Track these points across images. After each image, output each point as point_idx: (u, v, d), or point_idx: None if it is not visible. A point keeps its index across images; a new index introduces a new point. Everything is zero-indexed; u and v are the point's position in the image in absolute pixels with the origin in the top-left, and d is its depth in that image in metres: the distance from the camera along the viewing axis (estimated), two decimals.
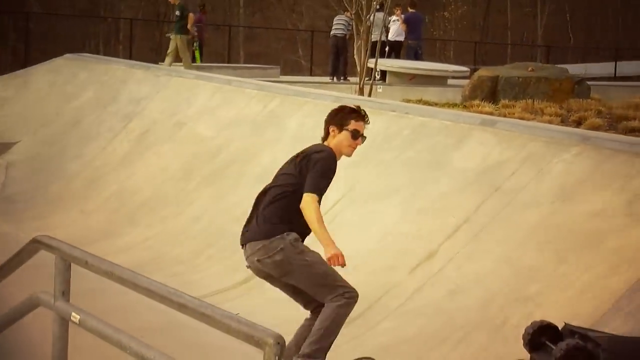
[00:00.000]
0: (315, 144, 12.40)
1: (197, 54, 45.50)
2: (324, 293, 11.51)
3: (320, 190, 11.78)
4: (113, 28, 50.03)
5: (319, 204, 11.76)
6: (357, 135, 11.98)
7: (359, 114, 11.95)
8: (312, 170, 11.87)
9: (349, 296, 11.47)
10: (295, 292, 11.97)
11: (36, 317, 8.59)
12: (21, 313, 8.40)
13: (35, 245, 8.17)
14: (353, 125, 11.89)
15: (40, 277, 7.95)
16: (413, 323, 15.14)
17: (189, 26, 38.76)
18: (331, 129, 12.17)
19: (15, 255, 8.77)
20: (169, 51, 38.67)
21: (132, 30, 45.70)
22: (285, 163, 12.56)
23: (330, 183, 12.07)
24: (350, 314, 16.02)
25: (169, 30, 41.83)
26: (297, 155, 12.38)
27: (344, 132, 12.07)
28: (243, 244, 11.53)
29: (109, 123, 27.51)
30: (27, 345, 9.33)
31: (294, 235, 11.54)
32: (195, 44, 45.51)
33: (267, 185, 12.48)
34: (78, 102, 29.36)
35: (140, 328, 11.51)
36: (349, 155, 12.40)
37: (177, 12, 38.77)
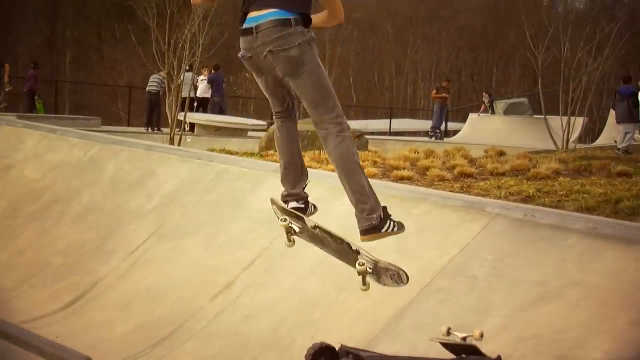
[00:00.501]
0: None
1: (39, 106, 44.81)
2: (323, 108, 10.33)
3: None
4: None
5: None
6: None
7: None
8: None
9: (342, 122, 10.45)
10: (276, 91, 10.63)
11: None
12: None
13: None
14: None
15: None
16: (214, 344, 15.12)
17: (5, 77, 38.21)
18: None
19: None
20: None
21: None
22: None
23: None
24: (158, 336, 16.05)
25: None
26: None
27: None
28: (251, 28, 9.23)
29: None
30: None
31: (312, 34, 9.98)
32: (38, 97, 44.95)
33: None
34: None
35: None
36: None
37: None
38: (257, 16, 8.60)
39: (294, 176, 10.80)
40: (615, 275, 12.32)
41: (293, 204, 11.41)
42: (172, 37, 29.64)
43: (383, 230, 10.20)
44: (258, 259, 16.73)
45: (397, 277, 9.08)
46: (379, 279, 9.62)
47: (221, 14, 36.41)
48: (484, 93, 32.46)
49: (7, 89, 41.61)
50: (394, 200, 16.70)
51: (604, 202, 16.80)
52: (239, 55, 9.56)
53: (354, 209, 10.76)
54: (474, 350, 8.67)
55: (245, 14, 9.48)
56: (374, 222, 10.41)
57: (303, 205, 11.39)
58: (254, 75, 10.28)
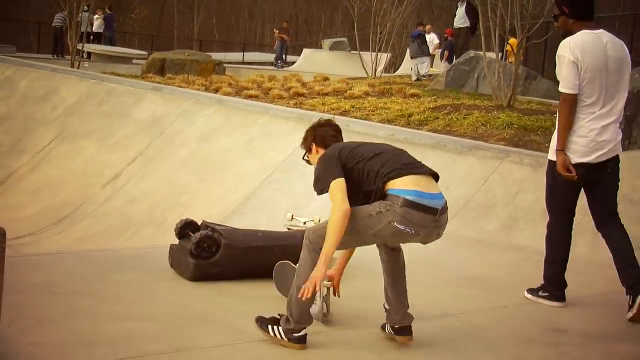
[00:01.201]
0: None
1: None
2: None
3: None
4: None
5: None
6: None
7: None
8: None
9: None
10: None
11: None
12: None
13: None
14: None
15: None
16: (103, 222, 14.95)
17: None
18: None
19: None
20: None
21: None
22: None
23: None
24: (60, 215, 15.83)
25: None
26: None
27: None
28: (437, 209, 6.68)
29: None
30: None
31: None
32: None
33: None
34: None
35: None
36: None
37: None
38: (438, 195, 6.31)
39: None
40: None
41: None
42: None
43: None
44: (139, 156, 16.54)
45: None
46: None
47: None
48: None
49: None
50: (243, 113, 16.62)
51: (400, 116, 16.87)
52: (398, 227, 6.25)
53: None
54: None
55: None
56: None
57: None
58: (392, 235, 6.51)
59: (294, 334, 6.18)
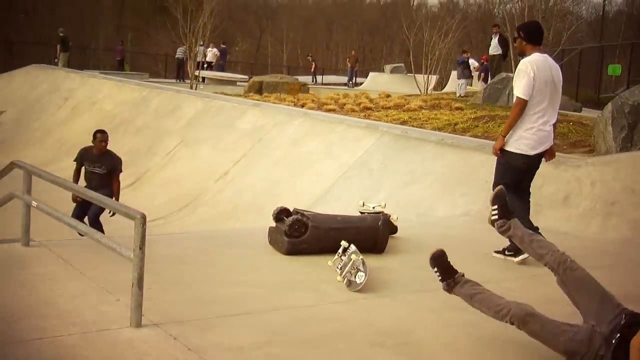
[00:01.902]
0: None
1: (127, 67, 44.03)
2: None
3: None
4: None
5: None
6: None
7: None
8: None
9: None
10: None
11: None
12: (3, 201, 8.07)
13: (12, 165, 7.89)
14: None
15: (15, 184, 7.62)
16: (216, 208, 15.11)
17: None
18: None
19: (1, 173, 8.46)
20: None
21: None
22: None
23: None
24: (182, 204, 16.01)
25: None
26: None
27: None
28: None
29: (54, 102, 26.76)
30: None
31: None
32: (125, 62, 44.43)
33: None
34: (38, 90, 28.51)
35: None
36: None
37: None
38: None
39: None
40: (452, 167, 12.34)
41: None
42: (191, 25, 29.50)
43: None
44: (243, 157, 16.65)
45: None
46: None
47: (222, 11, 36.10)
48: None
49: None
50: (324, 123, 16.63)
51: (447, 125, 16.77)
52: None
53: None
54: (379, 213, 8.55)
55: None
56: None
57: None
58: None
59: None
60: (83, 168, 11.78)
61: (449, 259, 5.42)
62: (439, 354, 5.19)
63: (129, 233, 5.36)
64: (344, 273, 6.87)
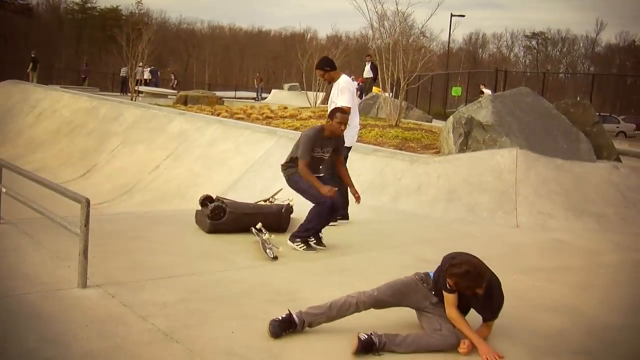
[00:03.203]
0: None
1: (85, 83, 42.72)
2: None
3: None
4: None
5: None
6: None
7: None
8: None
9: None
10: None
11: None
12: None
13: None
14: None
15: None
16: (150, 194, 14.84)
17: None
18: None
19: None
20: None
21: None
22: None
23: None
24: (123, 190, 15.63)
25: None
26: None
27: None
28: None
29: (24, 110, 25.94)
30: None
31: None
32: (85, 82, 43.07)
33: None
34: (11, 100, 27.55)
35: None
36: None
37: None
38: None
39: None
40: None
41: None
42: (134, 51, 29.07)
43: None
44: (171, 154, 16.38)
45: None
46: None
47: (157, 40, 35.57)
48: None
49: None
50: (235, 128, 16.53)
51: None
52: None
53: None
54: (289, 205, 8.47)
55: None
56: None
57: None
58: None
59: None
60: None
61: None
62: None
63: (79, 214, 5.33)
64: (263, 237, 7.13)
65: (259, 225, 7.53)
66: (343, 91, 8.60)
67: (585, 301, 6.14)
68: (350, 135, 8.57)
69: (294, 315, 4.70)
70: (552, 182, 10.39)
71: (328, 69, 8.74)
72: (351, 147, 8.91)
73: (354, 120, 8.76)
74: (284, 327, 4.65)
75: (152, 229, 7.85)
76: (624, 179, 11.00)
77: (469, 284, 4.55)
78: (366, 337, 4.47)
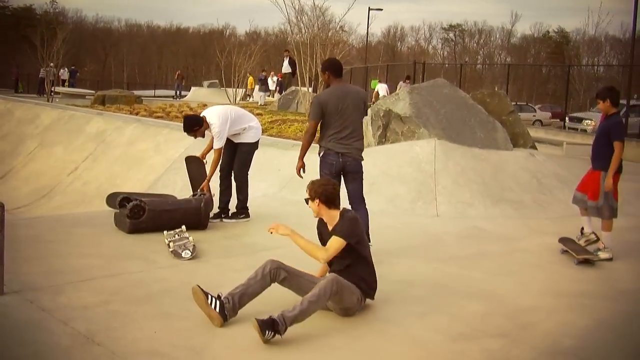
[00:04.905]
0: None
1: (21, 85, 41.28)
2: None
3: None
4: None
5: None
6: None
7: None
8: None
9: None
10: None
11: None
12: None
13: None
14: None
15: None
16: (69, 197, 14.57)
17: None
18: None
19: None
20: None
21: None
22: None
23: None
24: (41, 194, 15.24)
25: None
26: None
27: None
28: None
29: None
30: None
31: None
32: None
33: None
34: None
35: None
36: None
37: None
38: None
39: None
40: (254, 159, 12.47)
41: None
42: (49, 51, 28.39)
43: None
44: (90, 155, 16.09)
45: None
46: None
47: (73, 39, 34.78)
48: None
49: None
50: (154, 127, 16.32)
51: None
52: None
53: None
54: (209, 198, 8.41)
55: None
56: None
57: None
58: None
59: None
60: None
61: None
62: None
63: None
64: (173, 246, 6.88)
65: (183, 227, 7.41)
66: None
67: (502, 286, 6.33)
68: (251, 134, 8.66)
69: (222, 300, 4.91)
70: (470, 171, 10.62)
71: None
72: (255, 144, 8.76)
73: (251, 122, 8.77)
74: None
75: (70, 232, 7.68)
76: (539, 166, 11.37)
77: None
78: (264, 319, 4.54)
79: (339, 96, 7.15)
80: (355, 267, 5.21)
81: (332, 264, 5.28)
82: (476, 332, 5.06)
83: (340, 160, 7.15)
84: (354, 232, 5.18)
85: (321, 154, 7.28)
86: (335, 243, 5.11)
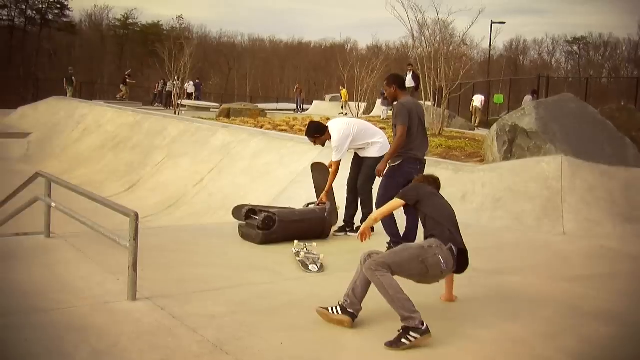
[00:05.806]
0: None
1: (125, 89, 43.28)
2: None
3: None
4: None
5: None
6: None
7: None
8: None
9: None
10: None
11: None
12: (30, 203, 8.01)
13: (36, 175, 7.88)
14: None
15: (38, 190, 7.60)
16: (194, 207, 14.97)
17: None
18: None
19: (28, 180, 8.40)
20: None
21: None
22: None
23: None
24: (169, 203, 15.75)
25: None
26: None
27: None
28: None
29: (70, 125, 26.38)
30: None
31: None
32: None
33: None
34: (57, 116, 28.04)
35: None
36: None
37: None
38: None
39: None
40: None
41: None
42: (176, 65, 29.44)
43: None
44: (215, 167, 16.53)
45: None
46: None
47: (198, 54, 36.01)
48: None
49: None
50: (278, 140, 16.60)
51: None
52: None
53: None
54: (332, 207, 8.61)
55: None
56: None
57: None
58: None
59: (420, 327, 4.64)
60: None
61: None
62: (368, 312, 5.27)
63: (126, 227, 5.42)
64: (302, 257, 7.01)
65: (295, 249, 7.43)
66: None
67: (633, 308, 6.05)
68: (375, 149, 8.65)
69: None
70: (599, 189, 10.24)
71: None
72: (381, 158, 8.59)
73: (374, 137, 8.78)
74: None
75: (197, 242, 7.93)
76: None
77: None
78: (391, 340, 4.68)
79: (414, 105, 7.66)
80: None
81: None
82: (604, 356, 4.87)
83: (418, 167, 7.56)
84: None
85: (398, 162, 7.55)
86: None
